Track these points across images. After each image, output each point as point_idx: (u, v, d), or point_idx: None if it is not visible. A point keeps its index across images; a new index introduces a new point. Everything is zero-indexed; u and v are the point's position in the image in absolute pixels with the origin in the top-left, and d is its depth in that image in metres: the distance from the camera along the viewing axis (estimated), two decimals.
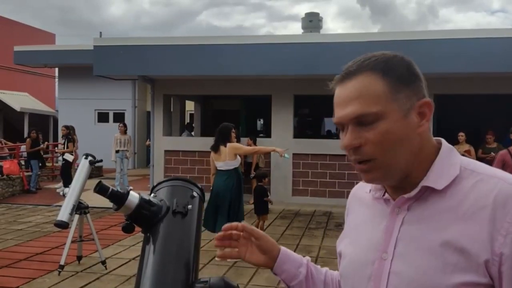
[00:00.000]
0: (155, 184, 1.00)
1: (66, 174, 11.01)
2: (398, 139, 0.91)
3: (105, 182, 0.87)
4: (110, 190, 0.86)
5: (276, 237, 7.35)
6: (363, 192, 1.08)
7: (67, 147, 11.36)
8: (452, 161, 0.95)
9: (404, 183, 0.95)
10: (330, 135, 14.69)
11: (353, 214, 1.10)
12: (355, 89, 0.92)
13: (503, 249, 0.84)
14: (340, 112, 0.93)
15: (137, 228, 0.90)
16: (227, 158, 6.00)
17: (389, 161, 0.91)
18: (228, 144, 6.03)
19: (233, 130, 6.19)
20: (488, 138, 9.47)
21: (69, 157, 11.16)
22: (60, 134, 12.73)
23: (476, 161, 1.00)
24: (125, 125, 12.03)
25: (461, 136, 9.22)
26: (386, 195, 0.99)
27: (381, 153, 0.90)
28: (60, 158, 12.24)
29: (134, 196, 0.87)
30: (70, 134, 11.49)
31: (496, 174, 0.92)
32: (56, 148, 14.40)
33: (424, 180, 0.93)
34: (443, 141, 0.99)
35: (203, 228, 6.00)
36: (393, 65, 0.93)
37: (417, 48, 8.45)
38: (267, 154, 10.12)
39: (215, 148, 6.11)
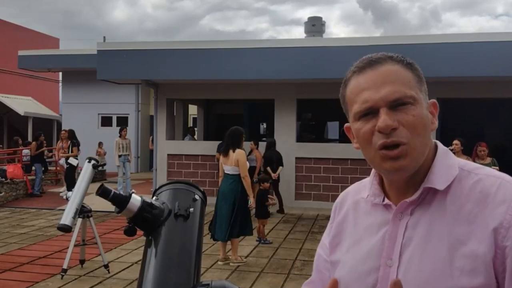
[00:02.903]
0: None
1: (70, 177, 11.04)
2: (427, 127, 0.93)
3: (108, 186, 0.87)
4: (112, 193, 0.85)
5: (279, 241, 7.34)
6: (358, 197, 1.05)
7: (72, 151, 11.39)
8: (449, 162, 0.96)
9: (409, 183, 0.94)
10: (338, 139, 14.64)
11: (347, 220, 1.06)
12: (390, 73, 0.92)
13: (506, 242, 0.84)
14: (374, 94, 0.90)
15: (140, 232, 0.90)
16: (233, 164, 5.95)
17: (419, 148, 0.90)
18: (238, 151, 5.93)
19: (243, 135, 6.18)
20: (481, 151, 7.52)
21: (73, 161, 11.19)
22: None
23: (470, 162, 1.01)
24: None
25: (456, 145, 7.46)
26: (386, 200, 0.98)
27: (413, 138, 0.89)
28: (61, 160, 12.28)
29: (136, 199, 0.87)
30: (75, 138, 11.54)
31: (494, 173, 0.93)
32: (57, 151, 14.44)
33: (425, 182, 0.93)
34: (438, 142, 1.00)
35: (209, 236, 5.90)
36: (413, 63, 0.96)
37: (420, 52, 8.44)
38: None
39: (226, 152, 6.02)
